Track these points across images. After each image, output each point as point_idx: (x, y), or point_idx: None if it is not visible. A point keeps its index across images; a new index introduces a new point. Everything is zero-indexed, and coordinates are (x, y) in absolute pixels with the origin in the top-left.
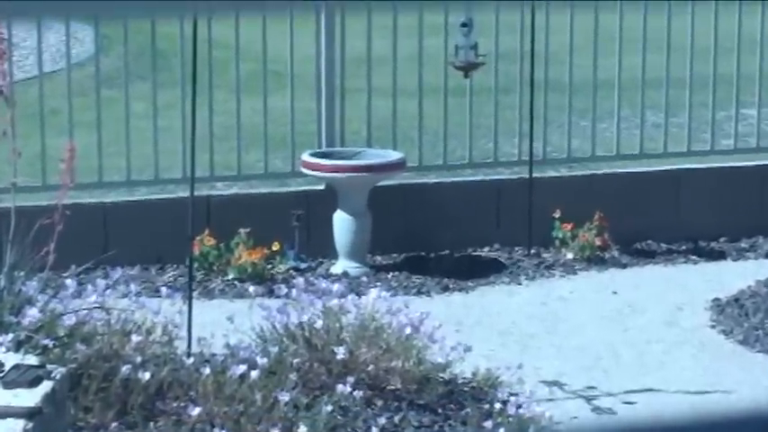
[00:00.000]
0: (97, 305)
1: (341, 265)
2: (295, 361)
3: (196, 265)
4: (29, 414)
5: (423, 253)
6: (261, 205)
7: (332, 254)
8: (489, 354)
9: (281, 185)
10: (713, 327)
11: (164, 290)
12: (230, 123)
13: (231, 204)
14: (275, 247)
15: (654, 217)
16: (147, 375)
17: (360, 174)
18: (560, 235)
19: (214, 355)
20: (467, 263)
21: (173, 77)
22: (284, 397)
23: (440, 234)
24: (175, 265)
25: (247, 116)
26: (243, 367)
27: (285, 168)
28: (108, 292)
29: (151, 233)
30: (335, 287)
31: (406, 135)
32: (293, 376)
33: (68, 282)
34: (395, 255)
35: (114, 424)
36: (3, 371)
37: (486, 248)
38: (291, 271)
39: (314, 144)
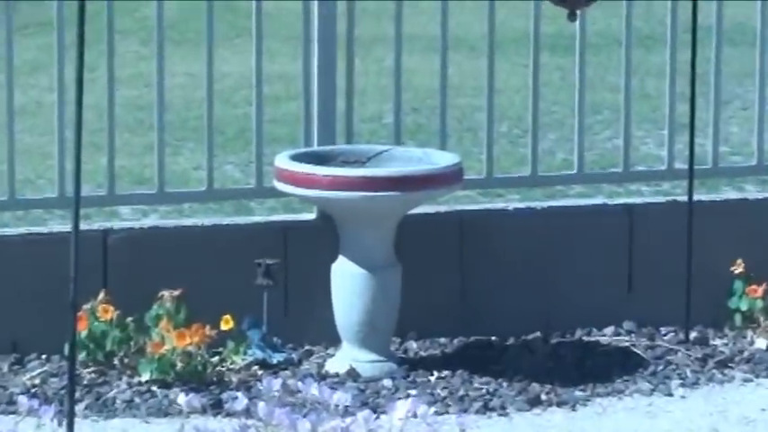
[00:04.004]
0: None
1: (345, 357)
2: None
3: (82, 355)
4: None
5: (493, 337)
6: (201, 248)
7: (329, 337)
8: None
9: (238, 213)
10: None
11: (23, 401)
12: (145, 100)
13: (146, 247)
14: (226, 323)
15: None
16: None
17: (381, 192)
18: (744, 306)
19: None
20: (574, 355)
21: (42, 17)
22: None
23: (525, 303)
24: (45, 357)
25: (177, 86)
26: None
27: (245, 181)
28: None
29: (3, 299)
30: (336, 397)
31: (464, 125)
32: None
33: None
34: (443, 340)
35: None
36: None
37: (610, 329)
38: (255, 368)
39: (298, 139)
